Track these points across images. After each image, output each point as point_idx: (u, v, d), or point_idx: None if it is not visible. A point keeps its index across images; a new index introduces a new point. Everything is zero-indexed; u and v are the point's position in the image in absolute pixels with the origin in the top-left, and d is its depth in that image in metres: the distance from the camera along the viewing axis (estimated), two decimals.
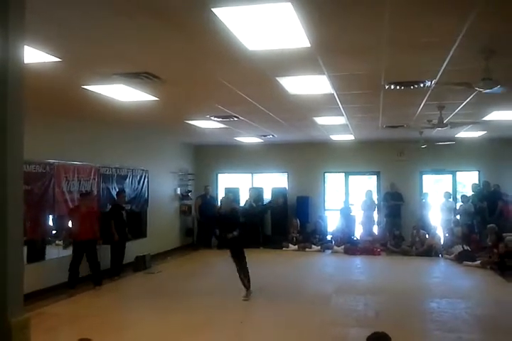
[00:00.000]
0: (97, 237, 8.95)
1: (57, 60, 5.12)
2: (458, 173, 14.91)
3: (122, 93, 6.95)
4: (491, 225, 11.92)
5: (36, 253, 8.64)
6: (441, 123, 8.53)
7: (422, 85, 6.58)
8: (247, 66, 5.53)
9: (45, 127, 8.44)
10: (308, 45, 4.68)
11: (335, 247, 13.53)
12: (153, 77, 6.02)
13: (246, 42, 4.58)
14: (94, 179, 10.06)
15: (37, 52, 4.77)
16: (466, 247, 11.86)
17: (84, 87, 6.54)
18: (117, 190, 10.70)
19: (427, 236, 13.14)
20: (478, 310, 7.61)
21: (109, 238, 9.81)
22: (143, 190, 12.08)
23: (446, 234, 13.30)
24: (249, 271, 8.35)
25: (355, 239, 13.97)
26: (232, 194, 12.10)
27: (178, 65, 5.59)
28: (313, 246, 13.66)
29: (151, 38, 4.57)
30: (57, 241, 9.05)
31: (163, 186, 13.53)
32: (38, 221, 8.37)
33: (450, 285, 9.42)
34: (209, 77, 6.18)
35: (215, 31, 4.26)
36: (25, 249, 7.66)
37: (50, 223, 9.14)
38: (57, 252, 8.85)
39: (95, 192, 10.06)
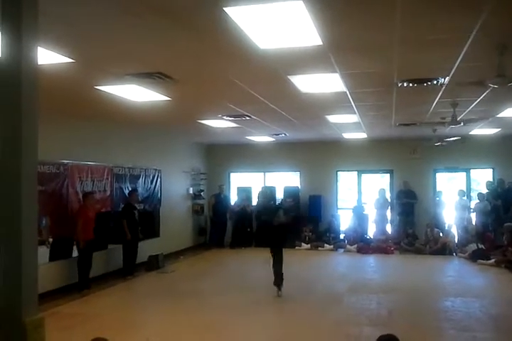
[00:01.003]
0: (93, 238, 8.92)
1: (71, 60, 5.15)
2: (472, 171, 14.78)
3: (135, 93, 6.98)
4: (508, 224, 11.81)
5: (59, 252, 8.76)
6: (454, 121, 8.46)
7: (435, 82, 6.53)
8: (259, 65, 5.52)
9: (58, 128, 8.49)
10: (320, 43, 4.66)
11: (348, 246, 13.49)
12: (166, 77, 6.04)
13: (258, 40, 4.57)
14: (108, 179, 10.11)
15: (50, 53, 4.81)
16: (480, 245, 11.78)
17: (97, 87, 6.58)
18: (130, 189, 10.75)
19: (440, 234, 13.05)
20: (493, 308, 7.54)
21: (122, 237, 9.88)
22: (156, 189, 12.13)
23: (460, 233, 13.21)
24: (262, 269, 8.36)
25: (368, 237, 13.92)
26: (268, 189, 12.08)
27: (190, 64, 5.59)
28: (325, 245, 13.63)
29: (163, 38, 4.58)
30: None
31: (176, 185, 13.57)
32: (52, 221, 8.42)
33: (464, 283, 9.35)
34: (221, 76, 6.18)
35: (226, 30, 4.26)
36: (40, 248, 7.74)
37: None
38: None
39: (108, 192, 10.11)
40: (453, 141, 11.41)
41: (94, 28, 4.26)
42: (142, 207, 11.28)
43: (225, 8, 3.74)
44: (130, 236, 9.84)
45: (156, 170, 12.15)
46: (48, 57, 4.89)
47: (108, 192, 10.14)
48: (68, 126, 9.00)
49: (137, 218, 10.31)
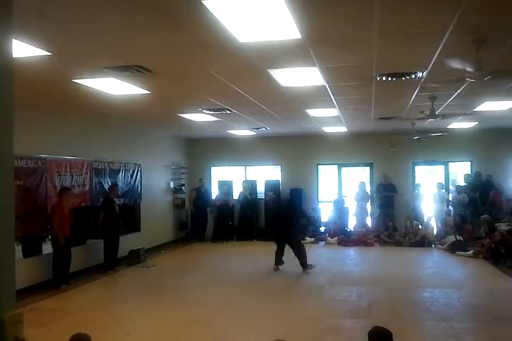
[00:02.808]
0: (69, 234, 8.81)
1: (47, 53, 5.08)
2: (450, 164, 14.98)
3: (114, 86, 6.91)
4: (485, 216, 12.00)
5: (33, 248, 8.62)
6: (432, 115, 8.55)
7: (413, 76, 6.58)
8: (239, 58, 5.51)
9: (36, 122, 8.39)
10: (299, 36, 4.66)
11: (328, 239, 13.60)
12: (144, 70, 5.99)
13: (237, 34, 4.55)
14: (87, 173, 10.02)
15: (26, 46, 4.73)
16: (458, 237, 11.95)
17: (75, 80, 6.50)
18: (110, 184, 10.67)
19: (419, 226, 13.23)
20: (471, 299, 7.68)
21: (103, 232, 9.83)
22: (136, 183, 12.06)
23: (439, 225, 13.40)
24: (244, 262, 8.39)
25: (348, 230, 14.03)
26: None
27: (169, 57, 5.56)
28: (306, 237, 13.69)
29: (141, 31, 4.54)
30: (50, 237, 8.99)
31: (156, 180, 13.51)
32: (30, 216, 8.32)
33: (443, 275, 9.49)
34: (200, 69, 6.15)
35: (205, 23, 4.24)
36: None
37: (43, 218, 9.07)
38: (50, 247, 8.80)
39: (87, 187, 10.03)
40: (436, 136, 11.57)
41: (71, 20, 4.20)
42: (122, 202, 11.22)
43: (203, 1, 3.72)
44: (102, 228, 9.78)
45: (136, 164, 12.07)
46: (23, 50, 4.81)
47: (87, 187, 10.05)
48: (46, 121, 8.89)
49: (117, 212, 10.25)
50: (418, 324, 6.44)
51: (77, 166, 9.68)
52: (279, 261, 9.89)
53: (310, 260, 9.73)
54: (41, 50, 4.94)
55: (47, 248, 8.84)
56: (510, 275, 9.12)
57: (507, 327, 6.21)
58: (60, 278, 8.55)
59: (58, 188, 8.96)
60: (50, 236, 8.82)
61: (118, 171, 11.29)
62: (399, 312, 6.88)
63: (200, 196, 14.51)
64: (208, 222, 14.72)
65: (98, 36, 4.69)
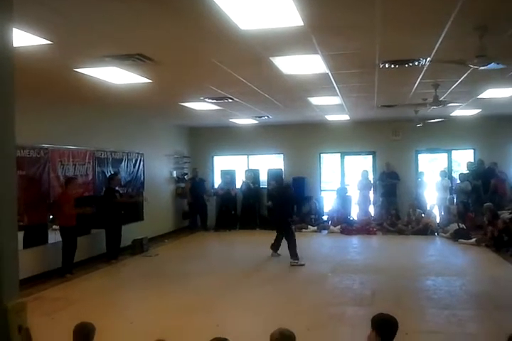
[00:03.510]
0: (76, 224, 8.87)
1: (48, 42, 5.05)
2: (453, 152, 14.93)
3: (115, 75, 6.88)
4: (488, 204, 11.98)
5: (38, 238, 8.65)
6: (436, 102, 8.50)
7: (416, 63, 6.53)
8: (240, 46, 5.47)
9: (38, 111, 8.38)
10: (302, 23, 4.62)
11: (331, 227, 13.61)
12: (146, 59, 5.96)
13: (238, 21, 4.51)
14: (90, 163, 10.03)
15: (27, 34, 4.70)
16: (461, 225, 11.95)
17: (77, 70, 6.47)
18: (111, 173, 10.66)
19: (422, 215, 13.22)
20: (473, 287, 7.69)
21: (106, 222, 9.85)
22: (138, 173, 12.07)
23: (442, 213, 13.39)
24: (246, 251, 8.42)
25: (351, 218, 14.04)
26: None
27: (171, 45, 5.52)
28: (309, 226, 13.73)
29: (142, 20, 4.50)
30: (54, 226, 9.03)
31: (159, 169, 13.51)
32: (34, 206, 8.34)
33: (446, 262, 9.50)
34: (202, 57, 6.12)
35: (206, 11, 4.20)
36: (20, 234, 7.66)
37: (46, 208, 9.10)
38: (54, 237, 8.85)
39: (90, 176, 10.04)
40: (436, 122, 11.52)
41: (71, 10, 4.17)
42: (125, 191, 11.23)
43: None
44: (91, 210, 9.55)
45: (138, 153, 12.07)
46: (24, 39, 4.78)
47: (90, 177, 10.06)
48: (48, 110, 8.88)
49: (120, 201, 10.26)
50: (421, 311, 6.46)
51: (79, 156, 9.69)
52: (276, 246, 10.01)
53: (313, 248, 9.75)
54: (42, 39, 4.91)
55: (52, 237, 8.89)
56: None
57: (509, 314, 6.22)
58: (65, 267, 8.60)
59: (61, 178, 8.99)
60: (54, 226, 8.87)
61: (121, 160, 11.29)
62: (402, 300, 6.90)
63: (195, 186, 14.46)
64: (207, 211, 14.71)
65: (99, 26, 4.66)
